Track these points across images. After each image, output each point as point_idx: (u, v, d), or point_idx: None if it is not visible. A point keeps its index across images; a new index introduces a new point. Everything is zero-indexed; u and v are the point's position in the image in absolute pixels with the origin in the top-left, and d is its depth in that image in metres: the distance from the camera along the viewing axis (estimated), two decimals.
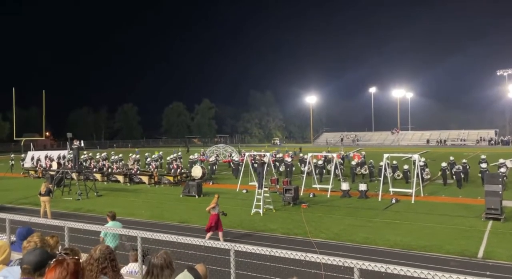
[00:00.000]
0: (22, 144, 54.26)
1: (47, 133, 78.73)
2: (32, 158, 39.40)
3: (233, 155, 38.92)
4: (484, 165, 24.38)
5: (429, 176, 25.64)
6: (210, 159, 33.52)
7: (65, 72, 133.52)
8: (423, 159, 25.98)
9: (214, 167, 32.18)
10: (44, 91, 41.38)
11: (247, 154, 29.68)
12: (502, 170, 23.01)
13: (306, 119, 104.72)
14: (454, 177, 24.40)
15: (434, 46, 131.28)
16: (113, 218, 10.23)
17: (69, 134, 35.88)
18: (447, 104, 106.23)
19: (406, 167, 26.06)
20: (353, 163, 28.88)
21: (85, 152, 42.55)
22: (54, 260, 2.58)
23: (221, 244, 5.16)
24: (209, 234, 12.91)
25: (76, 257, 2.62)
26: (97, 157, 38.79)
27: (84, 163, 34.62)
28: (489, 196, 15.44)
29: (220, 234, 12.99)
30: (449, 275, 3.76)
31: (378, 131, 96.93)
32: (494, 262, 10.89)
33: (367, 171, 27.60)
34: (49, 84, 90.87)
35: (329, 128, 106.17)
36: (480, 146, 72.81)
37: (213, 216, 12.96)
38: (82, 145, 24.90)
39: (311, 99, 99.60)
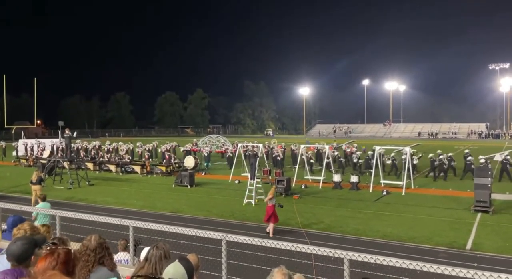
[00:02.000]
0: (13, 131, 53.79)
1: (39, 122, 78.05)
2: (26, 148, 39.10)
3: (226, 145, 38.89)
4: (469, 158, 24.69)
5: (417, 161, 26.07)
6: (203, 150, 33.49)
7: (57, 60, 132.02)
8: (411, 150, 26.52)
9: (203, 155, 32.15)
10: (35, 79, 40.85)
11: (239, 144, 29.71)
12: (482, 160, 23.49)
13: (299, 111, 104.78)
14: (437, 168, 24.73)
15: (427, 39, 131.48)
16: (44, 199, 11.70)
17: (61, 123, 35.66)
18: (439, 97, 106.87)
19: (392, 154, 26.34)
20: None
21: (78, 141, 42.29)
22: (44, 250, 2.57)
23: (212, 234, 5.18)
24: (271, 225, 12.99)
25: (67, 247, 2.62)
26: (90, 144, 38.59)
27: (79, 148, 34.48)
28: (478, 189, 15.63)
29: (272, 225, 12.95)
30: (437, 267, 3.83)
31: (371, 123, 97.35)
32: (482, 254, 11.06)
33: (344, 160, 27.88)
34: (41, 71, 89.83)
35: (322, 120, 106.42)
36: (471, 139, 73.47)
37: (269, 207, 13.01)
38: (75, 135, 24.73)
39: (304, 91, 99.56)
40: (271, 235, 12.69)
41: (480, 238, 12.46)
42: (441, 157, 24.83)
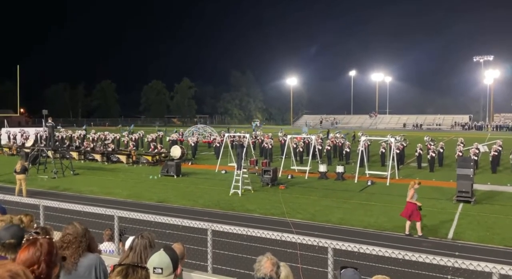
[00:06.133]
0: None
1: (22, 110, 76.59)
2: (9, 136, 38.41)
3: (213, 135, 38.80)
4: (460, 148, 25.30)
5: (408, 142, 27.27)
6: (190, 140, 33.38)
7: (41, 46, 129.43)
8: (399, 138, 27.52)
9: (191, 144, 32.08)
10: (18, 66, 40.04)
11: (226, 134, 29.66)
12: (459, 153, 24.28)
13: (287, 101, 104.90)
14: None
15: (413, 32, 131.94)
16: None
17: (45, 111, 35.18)
18: (424, 89, 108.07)
19: (383, 146, 26.73)
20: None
21: (62, 130, 41.71)
22: (25, 239, 2.53)
23: (198, 223, 5.20)
24: (408, 223, 12.12)
25: (49, 237, 2.57)
26: (75, 133, 38.13)
27: (63, 137, 34.00)
28: (460, 179, 15.90)
29: (415, 223, 11.92)
30: (419, 255, 3.91)
31: (357, 114, 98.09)
32: (463, 243, 11.30)
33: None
34: (25, 58, 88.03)
35: (309, 111, 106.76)
36: (455, 130, 74.53)
37: (411, 204, 12.05)
38: (50, 122, 24.29)
39: (291, 81, 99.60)
40: (419, 233, 11.78)
41: (461, 227, 12.72)
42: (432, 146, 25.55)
